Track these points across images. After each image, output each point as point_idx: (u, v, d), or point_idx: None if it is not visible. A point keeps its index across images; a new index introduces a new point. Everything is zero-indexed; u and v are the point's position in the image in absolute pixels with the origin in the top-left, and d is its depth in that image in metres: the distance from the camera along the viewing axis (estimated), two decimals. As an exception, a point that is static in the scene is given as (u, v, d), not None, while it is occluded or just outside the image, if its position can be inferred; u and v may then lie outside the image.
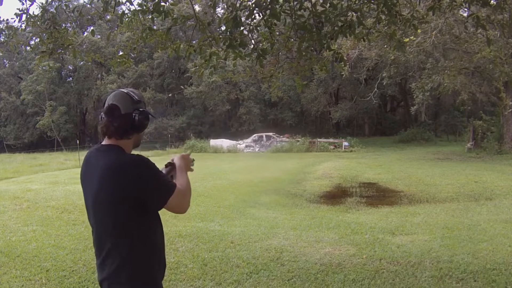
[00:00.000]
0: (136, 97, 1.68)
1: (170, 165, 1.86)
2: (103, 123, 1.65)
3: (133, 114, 1.64)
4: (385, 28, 3.99)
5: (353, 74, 22.04)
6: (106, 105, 1.66)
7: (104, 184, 1.57)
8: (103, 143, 1.69)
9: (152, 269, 1.63)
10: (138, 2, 3.51)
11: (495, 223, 5.70)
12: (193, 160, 2.00)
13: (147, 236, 1.62)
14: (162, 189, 1.60)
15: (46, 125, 35.75)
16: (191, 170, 1.94)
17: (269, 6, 3.17)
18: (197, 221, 6.26)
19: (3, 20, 4.03)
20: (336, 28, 3.37)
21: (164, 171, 1.84)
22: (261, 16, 3.43)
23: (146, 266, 1.61)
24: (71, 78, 42.39)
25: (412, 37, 10.91)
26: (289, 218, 6.66)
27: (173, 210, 1.67)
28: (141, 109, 1.67)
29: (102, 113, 1.66)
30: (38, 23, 3.56)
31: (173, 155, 1.92)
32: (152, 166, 1.61)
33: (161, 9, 3.21)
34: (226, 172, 13.24)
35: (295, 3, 3.31)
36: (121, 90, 1.71)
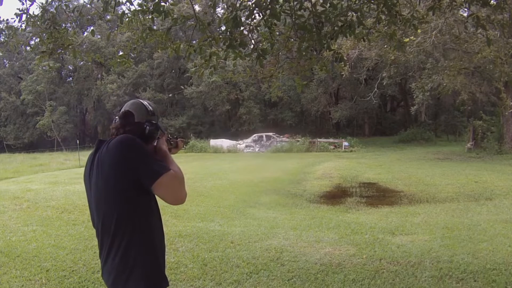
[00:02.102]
0: (151, 109, 1.79)
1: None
2: (115, 125, 1.74)
3: (145, 125, 1.73)
4: (385, 28, 3.99)
5: (353, 74, 22.03)
6: (122, 110, 1.78)
7: (101, 172, 1.60)
8: None
9: (155, 255, 1.65)
10: (138, 2, 3.51)
11: (495, 223, 5.70)
12: (186, 142, 2.04)
13: (146, 222, 1.63)
14: (155, 165, 1.59)
15: (46, 125, 35.77)
16: (180, 147, 2.01)
17: (269, 6, 3.17)
18: (197, 221, 6.26)
19: (3, 20, 4.03)
20: (336, 28, 3.37)
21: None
22: (261, 16, 3.43)
23: (148, 252, 1.62)
24: (71, 78, 42.41)
25: (412, 37, 10.91)
26: (289, 218, 6.66)
27: (169, 196, 1.62)
28: (153, 121, 1.76)
29: (116, 117, 1.76)
30: (38, 23, 3.56)
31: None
32: (142, 144, 1.64)
33: (161, 9, 3.20)
34: (226, 172, 13.24)
35: (295, 3, 3.31)
36: (139, 100, 1.83)
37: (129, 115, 1.73)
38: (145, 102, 1.79)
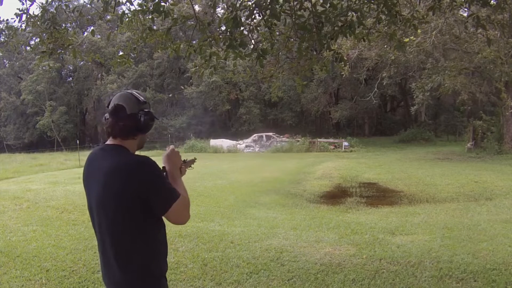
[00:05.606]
0: (142, 98, 1.69)
1: (165, 171, 1.78)
2: (109, 123, 1.64)
3: (139, 115, 1.65)
4: (385, 28, 3.99)
5: (353, 74, 21.98)
6: (111, 105, 1.66)
7: (109, 185, 1.55)
8: (108, 143, 1.67)
9: (158, 270, 1.63)
10: (138, 2, 3.52)
11: (495, 223, 5.70)
12: (195, 159, 1.98)
13: (151, 238, 1.61)
14: (167, 194, 1.58)
15: (46, 125, 35.79)
16: (184, 172, 1.90)
17: (269, 6, 3.17)
18: (197, 221, 6.26)
19: (3, 20, 4.03)
20: (336, 28, 3.37)
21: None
22: (261, 16, 3.44)
23: (152, 268, 1.60)
24: (71, 78, 42.42)
25: (412, 37, 10.90)
26: (289, 218, 6.66)
27: (174, 219, 1.64)
28: (146, 110, 1.67)
29: (106, 114, 1.66)
30: (38, 23, 3.56)
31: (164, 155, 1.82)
32: (158, 169, 1.61)
33: (161, 9, 3.20)
34: (226, 172, 13.24)
35: (295, 3, 3.31)
36: (127, 91, 1.71)
37: (120, 109, 1.63)
38: (134, 92, 1.71)
